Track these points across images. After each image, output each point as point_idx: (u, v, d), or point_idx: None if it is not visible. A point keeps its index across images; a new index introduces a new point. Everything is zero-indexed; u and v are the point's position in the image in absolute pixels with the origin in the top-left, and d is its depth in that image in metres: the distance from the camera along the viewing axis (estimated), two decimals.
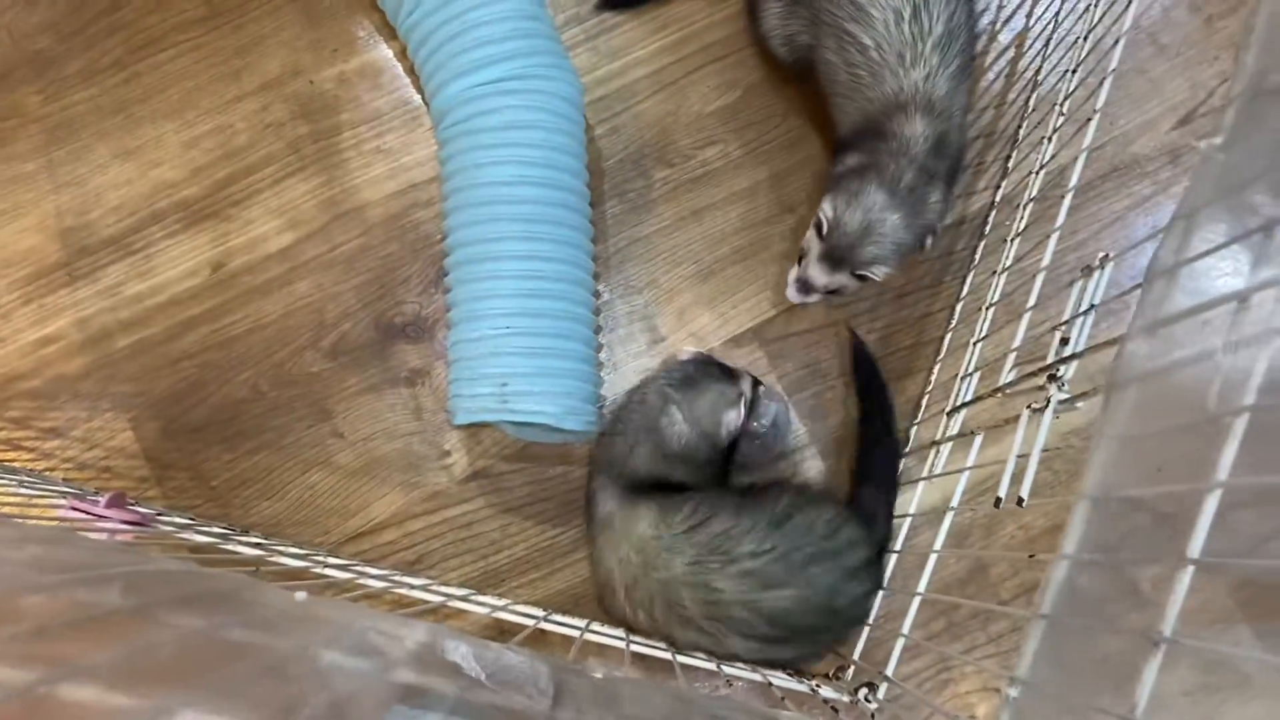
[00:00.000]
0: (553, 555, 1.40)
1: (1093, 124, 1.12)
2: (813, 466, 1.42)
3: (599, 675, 0.67)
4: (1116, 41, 1.16)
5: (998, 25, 1.53)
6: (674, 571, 1.14)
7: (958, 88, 1.27)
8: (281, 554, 1.02)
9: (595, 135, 1.49)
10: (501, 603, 1.07)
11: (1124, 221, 1.46)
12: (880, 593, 1.23)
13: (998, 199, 1.45)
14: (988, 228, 1.45)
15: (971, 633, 1.39)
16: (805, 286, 1.31)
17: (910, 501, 1.28)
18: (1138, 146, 1.49)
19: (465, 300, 1.29)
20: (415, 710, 0.57)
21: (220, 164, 1.47)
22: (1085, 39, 1.31)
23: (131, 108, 1.48)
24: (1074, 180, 1.10)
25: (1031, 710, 0.66)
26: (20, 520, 0.92)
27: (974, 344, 1.27)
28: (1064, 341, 0.90)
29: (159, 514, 1.11)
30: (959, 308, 1.43)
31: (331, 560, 1.08)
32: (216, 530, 1.12)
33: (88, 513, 0.92)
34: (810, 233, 1.30)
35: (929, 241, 1.30)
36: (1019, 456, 0.90)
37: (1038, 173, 1.28)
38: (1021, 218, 1.28)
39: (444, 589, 1.07)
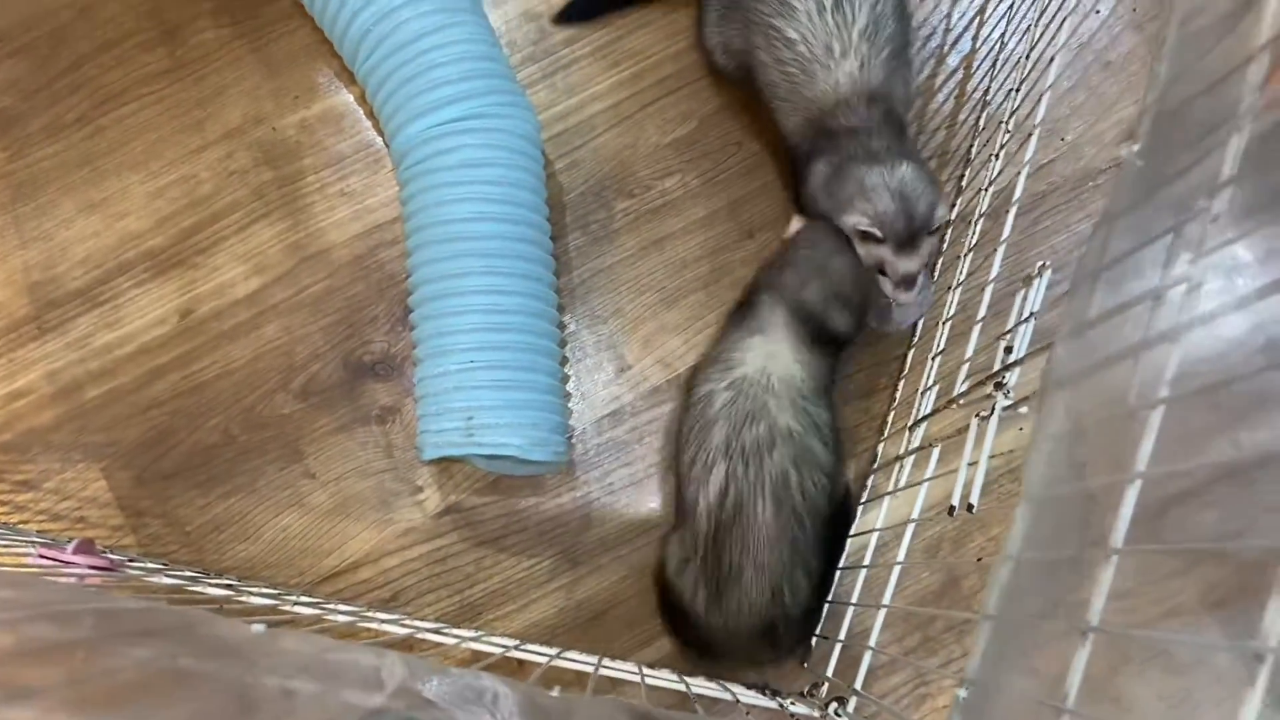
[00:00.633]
0: (528, 587, 1.41)
1: (1032, 140, 1.15)
2: None
3: (555, 694, 0.68)
4: (1051, 60, 1.19)
5: (945, 48, 1.56)
6: (785, 422, 1.21)
7: (894, 74, 1.30)
8: (250, 594, 1.03)
9: (556, 169, 1.52)
10: (472, 634, 1.08)
11: (1075, 233, 1.49)
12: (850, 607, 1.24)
13: (953, 216, 1.48)
14: (944, 245, 1.47)
15: (947, 646, 1.41)
16: (909, 282, 1.29)
17: (878, 517, 1.30)
18: (1087, 160, 1.52)
19: (430, 336, 1.30)
20: None
21: (186, 213, 1.49)
22: (1027, 58, 1.35)
23: (96, 161, 1.50)
24: (1017, 194, 1.13)
25: (979, 708, 0.67)
26: None
27: (932, 358, 1.29)
28: (1008, 350, 0.92)
29: (129, 560, 1.12)
30: (919, 323, 1.45)
31: (302, 599, 1.09)
32: (186, 574, 1.13)
33: (55, 559, 0.93)
34: (867, 248, 1.30)
35: None
36: (970, 465, 0.92)
37: (986, 189, 1.31)
38: (973, 234, 1.31)
39: (413, 622, 1.08)
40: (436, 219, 1.31)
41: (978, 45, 1.56)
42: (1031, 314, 0.90)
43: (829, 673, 1.21)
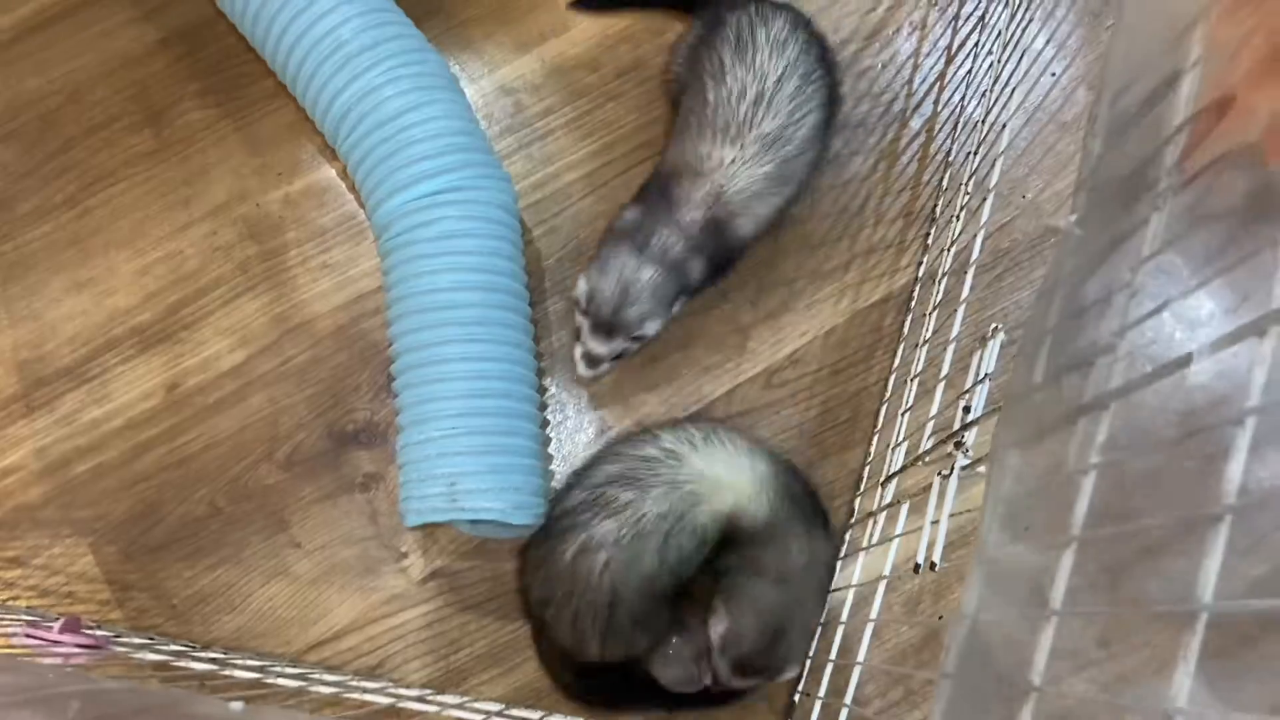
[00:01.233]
0: (514, 650, 1.42)
1: (988, 203, 1.19)
2: None
3: None
4: (1004, 126, 1.23)
5: (908, 112, 1.61)
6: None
7: (761, 192, 1.35)
8: (236, 666, 1.04)
9: (534, 236, 1.55)
10: (456, 700, 1.10)
11: (1037, 288, 1.52)
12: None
13: (920, 274, 1.52)
14: (913, 303, 1.51)
15: (930, 699, 1.42)
16: (591, 360, 1.37)
17: (853, 573, 1.32)
18: (1050, 219, 1.56)
19: (412, 404, 1.33)
20: None
21: (172, 288, 1.52)
22: (983, 122, 1.40)
23: (84, 241, 1.53)
24: (975, 254, 1.17)
25: None
26: None
27: (901, 414, 1.32)
28: (966, 410, 0.95)
29: (116, 635, 1.14)
30: (891, 380, 1.49)
31: (287, 670, 1.11)
32: (173, 648, 1.14)
33: (42, 639, 0.94)
34: (576, 310, 1.37)
35: (680, 303, 1.38)
36: (933, 523, 0.94)
37: (949, 249, 1.35)
38: (937, 292, 1.35)
39: (397, 690, 1.09)
40: (417, 289, 1.34)
41: (939, 109, 1.61)
42: (987, 375, 0.93)
43: None
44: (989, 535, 0.72)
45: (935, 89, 1.61)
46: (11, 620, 1.08)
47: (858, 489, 1.46)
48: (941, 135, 1.60)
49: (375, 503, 1.46)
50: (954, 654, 0.72)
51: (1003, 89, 1.36)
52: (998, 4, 1.57)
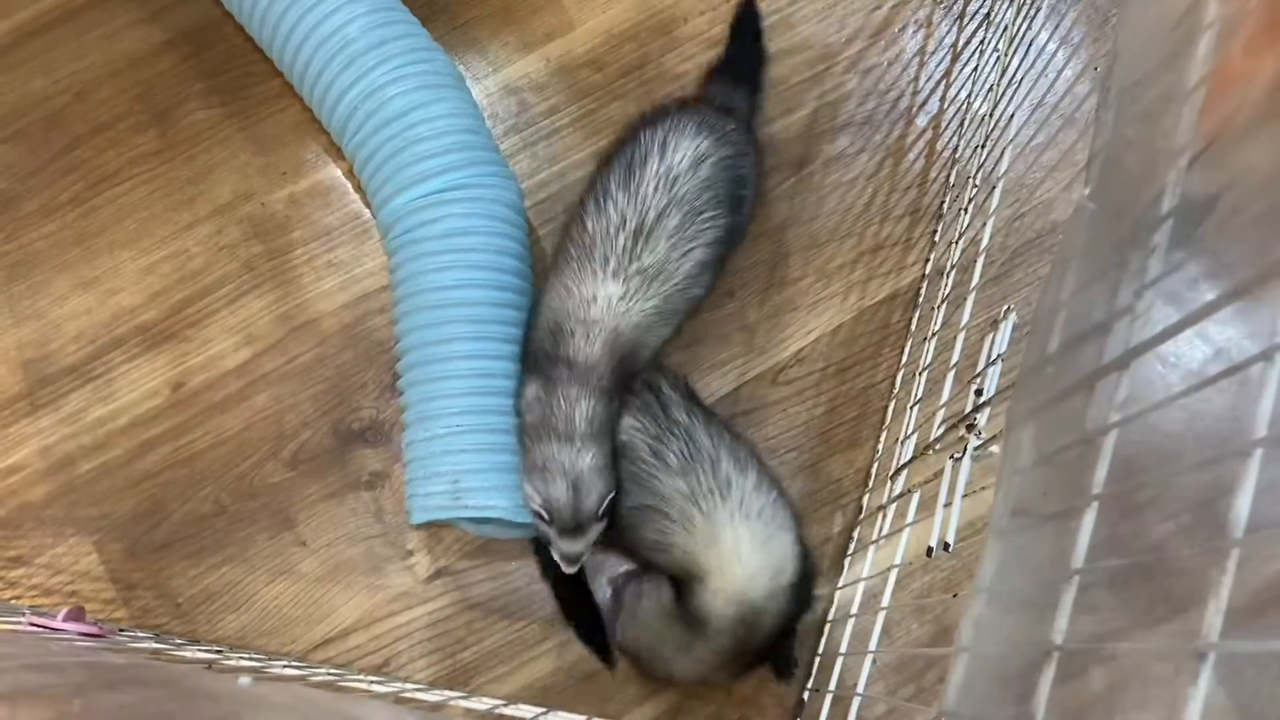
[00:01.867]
0: (519, 648, 1.41)
1: (997, 191, 1.19)
2: None
3: None
4: (1012, 116, 1.23)
5: (914, 109, 1.61)
6: None
7: (654, 324, 1.29)
8: (238, 658, 1.03)
9: (539, 235, 1.55)
10: (456, 694, 1.09)
11: (1052, 261, 1.52)
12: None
13: (928, 271, 1.52)
14: (920, 299, 1.51)
15: (941, 696, 1.40)
16: (573, 559, 1.27)
17: (863, 568, 1.31)
18: (1056, 213, 1.56)
19: (417, 401, 1.33)
20: None
21: (177, 287, 1.52)
22: (990, 116, 1.40)
23: (89, 240, 1.53)
24: (984, 242, 1.17)
25: None
26: None
27: (910, 408, 1.32)
28: (978, 393, 0.94)
29: (119, 630, 1.13)
30: (899, 376, 1.48)
31: (292, 664, 1.10)
32: (177, 643, 1.13)
33: (45, 626, 0.93)
34: (536, 520, 1.27)
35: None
36: (945, 506, 0.93)
37: (957, 242, 1.35)
38: (945, 285, 1.34)
39: (398, 684, 1.08)
40: (423, 287, 1.34)
41: (945, 106, 1.61)
42: (999, 356, 0.93)
43: None
44: (1004, 508, 0.71)
45: (941, 86, 1.61)
46: (13, 611, 1.07)
47: (866, 486, 1.45)
48: (948, 132, 1.59)
49: (381, 501, 1.45)
50: (970, 627, 0.71)
51: (1009, 84, 1.36)
52: (1003, 1, 1.57)
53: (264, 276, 1.52)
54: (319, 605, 1.42)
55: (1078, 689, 0.56)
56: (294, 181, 1.57)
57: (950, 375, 1.14)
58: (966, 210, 1.36)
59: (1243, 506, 0.40)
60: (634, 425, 1.30)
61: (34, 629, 0.94)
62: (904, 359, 1.49)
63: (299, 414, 1.48)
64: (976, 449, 0.89)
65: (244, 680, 0.68)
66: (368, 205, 1.51)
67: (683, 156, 1.28)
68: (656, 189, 1.26)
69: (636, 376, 1.34)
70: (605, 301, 1.25)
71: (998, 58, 1.49)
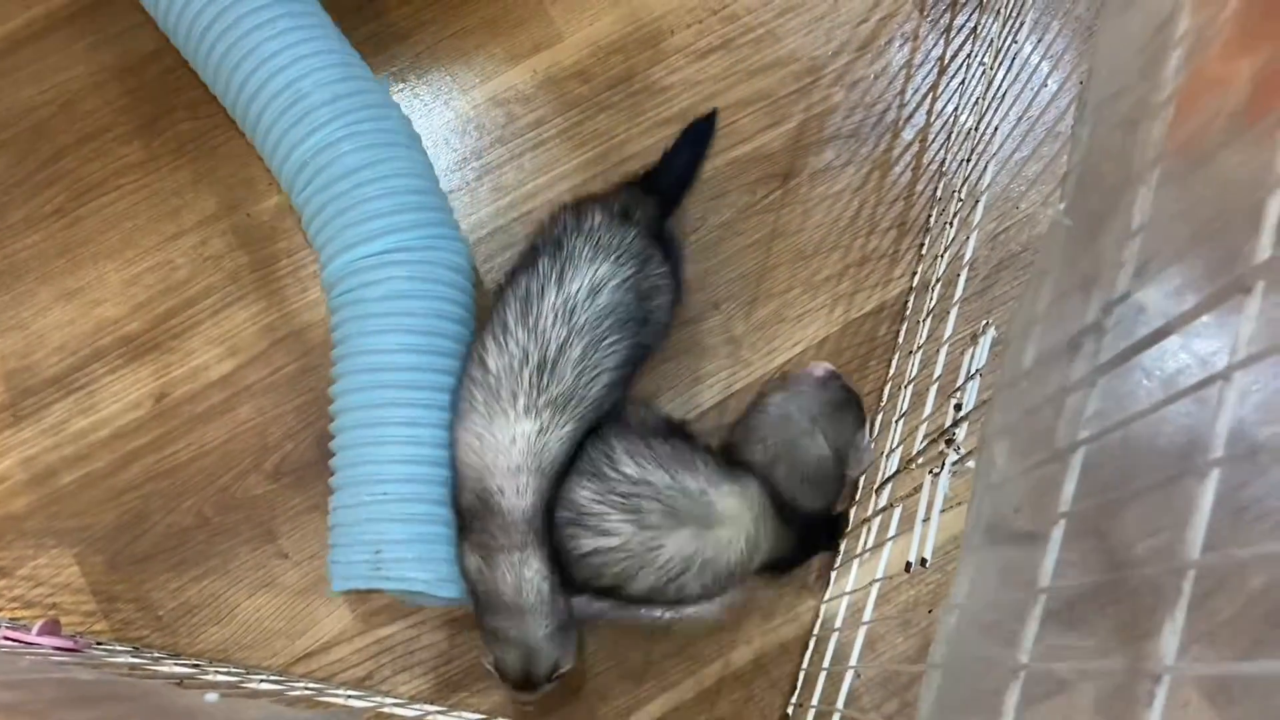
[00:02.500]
0: None
1: (980, 205, 1.19)
2: None
3: None
4: (995, 129, 1.23)
5: (900, 123, 1.61)
6: None
7: (570, 451, 1.25)
8: (215, 672, 1.03)
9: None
10: (436, 709, 1.08)
11: (1027, 278, 1.52)
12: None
13: (914, 283, 1.52)
14: (907, 312, 1.50)
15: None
16: (525, 701, 1.30)
17: (848, 582, 1.30)
18: (1042, 228, 1.56)
19: (345, 466, 1.30)
20: None
21: (161, 298, 1.52)
22: (975, 129, 1.40)
23: (74, 250, 1.53)
24: (968, 255, 1.16)
25: None
26: None
27: (895, 421, 1.31)
28: (958, 408, 0.94)
29: (97, 643, 1.12)
30: (886, 389, 1.48)
31: (270, 677, 1.09)
32: (154, 656, 1.12)
33: (19, 640, 0.93)
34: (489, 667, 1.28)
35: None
36: (924, 521, 0.93)
37: (942, 255, 1.35)
38: (930, 298, 1.34)
39: (378, 697, 1.08)
40: (360, 349, 1.31)
41: (932, 119, 1.61)
42: (978, 371, 0.92)
43: None
44: (978, 523, 0.71)
45: (928, 99, 1.61)
46: None
47: (853, 499, 1.45)
48: (935, 145, 1.59)
49: None
50: (943, 643, 0.71)
51: (995, 97, 1.36)
52: (989, 15, 1.57)
53: (248, 288, 1.52)
54: (301, 618, 1.41)
55: (1046, 711, 0.56)
56: (279, 192, 1.56)
57: (933, 389, 1.14)
58: (951, 224, 1.36)
59: (1199, 526, 0.40)
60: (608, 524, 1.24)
61: (8, 643, 0.93)
62: (890, 372, 1.48)
63: (283, 426, 1.47)
64: (955, 463, 0.89)
65: (210, 696, 0.67)
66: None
67: (579, 286, 1.25)
68: (555, 322, 1.23)
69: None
70: (524, 442, 1.21)
71: (983, 71, 1.49)
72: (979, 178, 1.24)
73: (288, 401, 1.48)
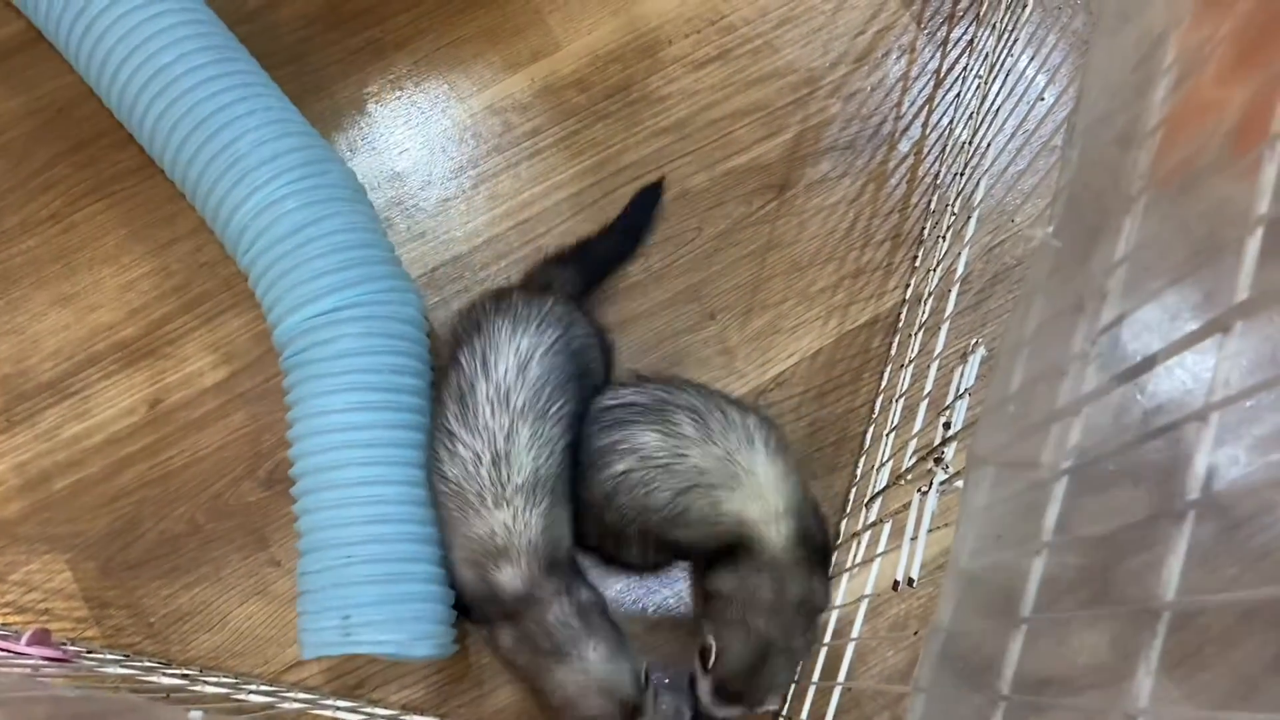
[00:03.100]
0: (493, 671, 1.40)
1: (973, 220, 1.19)
2: None
3: None
4: (989, 144, 1.23)
5: (896, 135, 1.61)
6: None
7: (555, 518, 1.25)
8: (205, 683, 1.03)
9: (521, 255, 1.55)
10: (428, 719, 1.08)
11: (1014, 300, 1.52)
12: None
13: (908, 296, 1.52)
14: (900, 324, 1.51)
15: None
16: None
17: (837, 595, 1.30)
18: (1034, 243, 1.55)
19: (310, 530, 1.29)
20: None
21: (156, 304, 1.52)
22: (970, 143, 1.40)
23: (69, 256, 1.53)
24: (960, 270, 1.16)
25: None
26: None
27: (886, 435, 1.31)
28: (946, 426, 0.94)
29: (87, 651, 1.12)
30: (878, 402, 1.48)
31: (262, 688, 1.09)
32: (144, 664, 1.12)
33: (8, 650, 0.93)
34: None
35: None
36: (912, 540, 0.93)
37: (935, 269, 1.35)
38: (922, 312, 1.34)
39: (371, 709, 1.08)
40: (315, 410, 1.30)
41: (927, 131, 1.61)
42: (966, 390, 0.92)
43: None
44: (963, 546, 0.71)
45: (924, 112, 1.62)
46: None
47: (843, 511, 1.45)
48: (930, 158, 1.60)
49: None
50: (928, 667, 0.71)
51: (990, 111, 1.36)
52: (986, 29, 1.57)
53: (243, 295, 1.52)
54: (293, 626, 1.40)
55: None
56: None
57: (923, 405, 1.14)
58: (945, 237, 1.36)
59: (1174, 567, 0.40)
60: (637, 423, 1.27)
61: None
62: (883, 384, 1.49)
63: (276, 433, 1.47)
64: (943, 483, 0.89)
65: (195, 715, 0.68)
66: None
67: (505, 368, 1.24)
68: (494, 412, 1.22)
69: (573, 562, 1.33)
70: (504, 529, 1.22)
71: (979, 84, 1.49)
72: (973, 191, 1.24)
73: (281, 409, 1.46)
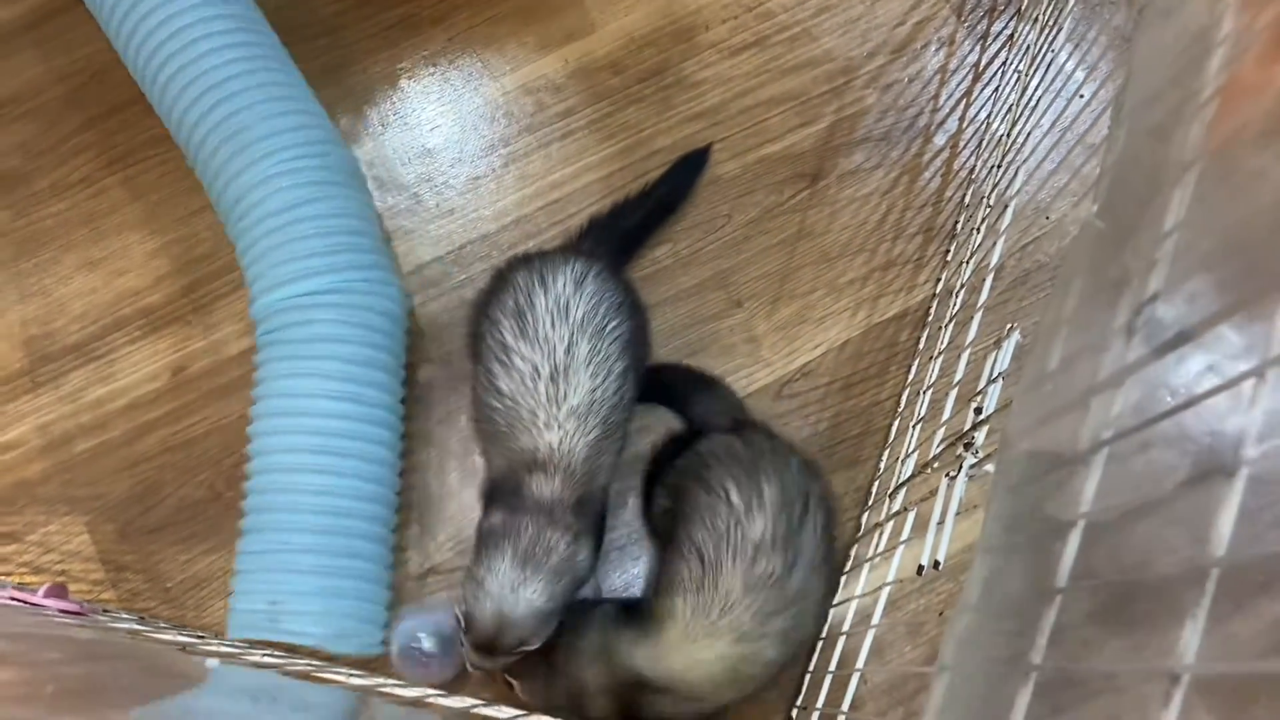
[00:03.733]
0: None
1: (1009, 210, 1.17)
2: None
3: None
4: (1028, 135, 1.22)
5: (932, 128, 1.60)
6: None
7: (599, 455, 1.25)
8: (218, 644, 1.03)
9: (548, 237, 1.54)
10: (436, 691, 1.07)
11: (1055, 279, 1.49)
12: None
13: (938, 290, 1.50)
14: (929, 318, 1.49)
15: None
16: (477, 666, 1.24)
17: (857, 586, 1.29)
18: (1068, 237, 1.53)
19: (254, 511, 1.28)
20: None
21: (184, 271, 1.52)
22: (1008, 136, 1.38)
23: (98, 220, 1.53)
24: (994, 260, 1.15)
25: None
26: None
27: (913, 426, 1.30)
28: (978, 411, 0.92)
29: (103, 610, 1.12)
30: (904, 395, 1.46)
31: (274, 652, 1.09)
32: (159, 625, 1.12)
33: (25, 600, 0.93)
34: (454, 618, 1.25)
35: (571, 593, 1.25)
36: (939, 524, 0.92)
37: (968, 261, 1.33)
38: (954, 304, 1.33)
39: (379, 678, 1.07)
40: (278, 391, 1.29)
41: (964, 125, 1.59)
42: (1000, 374, 0.91)
43: None
44: (995, 525, 0.69)
45: (961, 105, 1.60)
46: None
47: (866, 504, 1.43)
48: (965, 152, 1.58)
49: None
50: (953, 644, 0.69)
51: (1029, 106, 1.34)
52: (1027, 23, 1.56)
53: None
54: None
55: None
56: None
57: (952, 393, 1.13)
58: (978, 230, 1.35)
59: (1225, 525, 0.38)
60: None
61: (14, 603, 0.93)
62: (910, 378, 1.47)
63: None
64: (972, 467, 0.88)
65: (211, 662, 0.67)
66: (378, 199, 1.51)
67: (564, 282, 1.24)
68: (554, 324, 1.22)
69: (604, 516, 1.33)
70: (548, 450, 1.21)
71: (1019, 78, 1.47)
72: (1009, 183, 1.23)
73: None
